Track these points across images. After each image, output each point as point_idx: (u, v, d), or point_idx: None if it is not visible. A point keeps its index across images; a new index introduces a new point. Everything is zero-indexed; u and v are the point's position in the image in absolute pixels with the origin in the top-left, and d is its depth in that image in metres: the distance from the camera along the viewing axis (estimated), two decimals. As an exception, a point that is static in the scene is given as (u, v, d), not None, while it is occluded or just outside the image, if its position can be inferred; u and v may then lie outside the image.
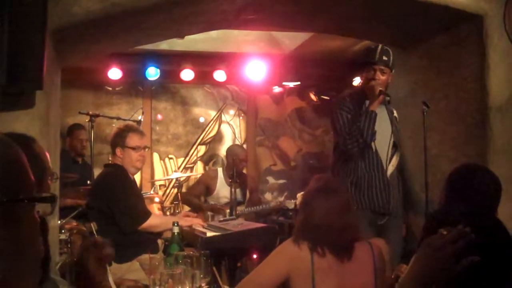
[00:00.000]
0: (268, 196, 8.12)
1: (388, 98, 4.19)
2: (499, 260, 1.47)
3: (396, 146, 4.23)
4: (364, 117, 3.98)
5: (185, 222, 4.18)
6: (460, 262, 1.40)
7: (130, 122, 5.67)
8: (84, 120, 6.13)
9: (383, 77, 4.12)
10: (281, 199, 6.45)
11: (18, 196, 0.99)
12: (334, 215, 2.69)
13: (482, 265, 1.43)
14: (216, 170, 6.71)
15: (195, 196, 6.61)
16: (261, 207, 6.36)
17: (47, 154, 2.02)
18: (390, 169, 4.16)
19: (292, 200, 6.12)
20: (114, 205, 3.96)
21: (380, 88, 4.04)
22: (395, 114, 4.37)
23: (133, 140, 4.15)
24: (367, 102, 4.09)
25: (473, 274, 1.43)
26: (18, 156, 1.03)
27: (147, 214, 4.01)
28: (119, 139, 4.17)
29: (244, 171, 7.26)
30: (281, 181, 8.36)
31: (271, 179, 8.41)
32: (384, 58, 4.12)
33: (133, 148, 4.14)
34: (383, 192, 4.07)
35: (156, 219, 4.08)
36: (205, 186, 6.59)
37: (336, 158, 4.24)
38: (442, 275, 1.44)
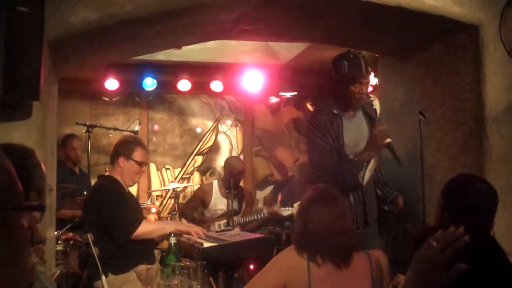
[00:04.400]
0: (265, 208, 8.09)
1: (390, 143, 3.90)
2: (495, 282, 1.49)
3: None
4: (349, 165, 3.80)
5: (184, 227, 4.16)
6: (450, 270, 1.41)
7: (135, 135, 5.66)
8: (81, 130, 6.12)
9: (364, 90, 3.91)
10: (276, 207, 6.40)
11: (7, 205, 1.00)
12: (332, 223, 2.69)
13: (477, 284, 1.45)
14: (211, 183, 6.69)
15: (192, 209, 6.60)
16: (256, 216, 6.34)
17: (43, 166, 2.02)
18: (366, 178, 3.96)
19: (288, 208, 6.09)
20: (105, 217, 3.93)
21: (389, 140, 3.82)
22: (376, 106, 4.15)
23: (140, 154, 4.12)
24: (338, 112, 3.90)
25: None
26: (6, 165, 1.04)
27: (137, 222, 3.94)
28: (125, 150, 4.10)
29: (241, 183, 7.25)
30: (278, 192, 8.34)
31: (268, 190, 8.40)
32: (369, 69, 3.91)
33: (138, 163, 4.11)
34: (359, 205, 3.94)
35: (147, 225, 4.01)
36: (200, 200, 6.58)
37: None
38: (435, 286, 1.44)
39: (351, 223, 2.84)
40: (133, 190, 6.01)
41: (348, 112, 3.95)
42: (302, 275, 2.62)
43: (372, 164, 3.98)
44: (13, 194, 1.03)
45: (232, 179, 6.06)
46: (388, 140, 3.81)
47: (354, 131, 3.93)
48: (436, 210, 2.58)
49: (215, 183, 6.60)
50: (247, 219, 6.30)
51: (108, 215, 3.93)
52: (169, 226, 3.98)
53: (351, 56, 3.90)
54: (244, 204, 6.68)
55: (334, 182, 3.55)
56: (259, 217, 6.35)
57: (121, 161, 4.08)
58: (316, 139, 3.85)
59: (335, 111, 3.89)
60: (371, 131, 3.98)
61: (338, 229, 2.69)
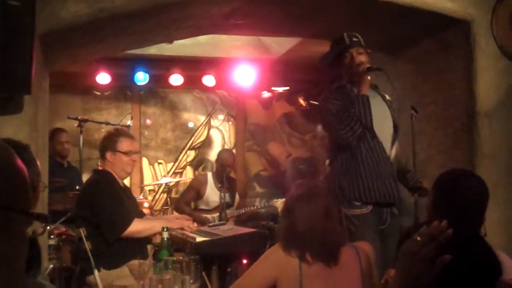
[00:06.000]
0: (257, 201, 8.10)
1: (374, 83, 3.95)
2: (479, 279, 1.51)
3: (397, 129, 3.98)
4: (357, 103, 3.71)
5: (175, 224, 4.15)
6: (435, 263, 1.43)
7: (120, 127, 5.65)
8: (73, 125, 6.10)
9: (361, 58, 3.85)
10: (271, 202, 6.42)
11: (15, 207, 0.99)
12: (317, 221, 2.69)
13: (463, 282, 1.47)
14: (206, 175, 6.73)
15: (186, 203, 6.63)
16: (249, 208, 6.37)
17: (38, 162, 2.01)
18: (393, 153, 3.91)
19: (280, 199, 6.07)
20: (97, 215, 3.91)
21: (367, 66, 3.77)
22: (388, 97, 4.11)
23: (124, 144, 4.12)
24: (355, 90, 3.80)
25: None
26: (21, 168, 1.03)
27: (128, 221, 3.91)
28: (109, 143, 4.12)
29: (233, 175, 7.27)
30: (270, 186, 8.35)
31: (260, 184, 8.41)
32: (354, 39, 3.90)
33: (125, 153, 4.10)
34: (388, 179, 3.84)
35: (138, 225, 3.98)
36: (196, 191, 6.61)
37: (334, 154, 3.97)
38: (422, 280, 1.46)
39: (336, 219, 2.84)
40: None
41: (360, 89, 3.86)
42: (293, 272, 2.62)
43: (397, 143, 3.95)
44: (22, 197, 1.02)
45: (223, 173, 6.10)
46: (366, 65, 3.79)
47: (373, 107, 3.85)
48: (427, 205, 2.59)
49: (210, 175, 6.63)
50: (240, 212, 6.33)
51: (99, 213, 3.91)
52: (159, 225, 3.96)
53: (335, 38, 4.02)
54: (237, 196, 6.70)
55: (356, 132, 3.68)
56: (253, 208, 6.38)
57: (109, 155, 4.08)
58: (328, 105, 3.81)
59: (346, 87, 3.88)
60: (390, 113, 3.98)
61: (324, 227, 2.69)
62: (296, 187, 2.87)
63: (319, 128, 6.40)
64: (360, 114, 3.73)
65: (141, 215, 4.39)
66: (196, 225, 4.68)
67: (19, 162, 1.03)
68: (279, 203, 5.75)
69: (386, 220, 3.88)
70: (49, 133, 6.50)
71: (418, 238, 1.48)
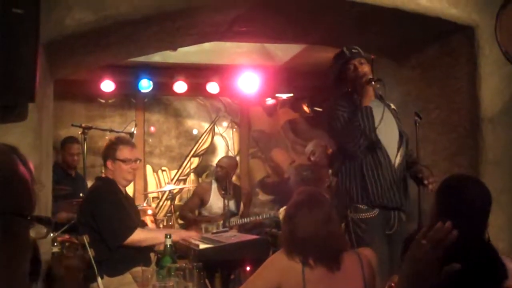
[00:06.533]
0: (260, 208, 8.09)
1: (380, 93, 4.01)
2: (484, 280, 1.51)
3: (402, 136, 4.00)
4: (360, 115, 3.76)
5: (177, 236, 4.14)
6: (442, 269, 1.42)
7: (122, 134, 5.66)
8: (77, 132, 6.11)
9: (364, 68, 3.92)
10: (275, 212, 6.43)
11: (19, 212, 0.99)
12: (318, 226, 2.71)
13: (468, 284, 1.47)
14: (210, 182, 6.74)
15: (190, 210, 6.64)
16: (254, 217, 6.36)
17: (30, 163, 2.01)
18: (398, 160, 3.93)
19: (284, 207, 6.08)
20: (100, 220, 3.92)
21: (370, 77, 3.84)
22: (393, 107, 4.16)
23: (123, 152, 4.12)
24: (358, 100, 3.88)
25: None
26: (23, 173, 1.04)
27: (131, 229, 3.92)
28: (109, 152, 4.14)
29: (238, 183, 7.27)
30: (274, 193, 8.34)
31: (264, 191, 8.40)
32: (354, 50, 3.99)
33: (123, 161, 4.11)
34: (392, 185, 3.86)
35: (140, 234, 3.98)
36: (199, 198, 6.62)
37: (340, 161, 4.00)
38: (427, 285, 1.46)
39: (337, 226, 2.86)
40: (129, 191, 6.03)
41: (363, 100, 3.91)
42: (296, 278, 2.63)
43: (402, 150, 3.97)
44: (27, 202, 1.03)
45: (227, 179, 6.10)
46: (369, 76, 3.85)
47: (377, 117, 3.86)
48: (431, 211, 2.59)
49: (214, 182, 6.64)
50: (244, 220, 6.32)
51: (101, 219, 3.92)
52: (162, 235, 3.96)
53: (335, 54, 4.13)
54: (242, 205, 6.70)
55: (362, 145, 3.74)
56: (256, 218, 6.37)
57: (109, 164, 4.12)
58: (337, 112, 3.89)
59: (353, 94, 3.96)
60: (395, 121, 4.01)
61: (325, 233, 2.71)
62: (297, 194, 2.90)
63: (309, 147, 6.38)
64: (364, 127, 3.76)
65: (142, 225, 4.39)
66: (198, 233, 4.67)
67: (22, 167, 1.04)
68: (281, 210, 5.75)
69: (393, 225, 3.89)
70: (61, 141, 6.52)
71: (424, 242, 1.47)
